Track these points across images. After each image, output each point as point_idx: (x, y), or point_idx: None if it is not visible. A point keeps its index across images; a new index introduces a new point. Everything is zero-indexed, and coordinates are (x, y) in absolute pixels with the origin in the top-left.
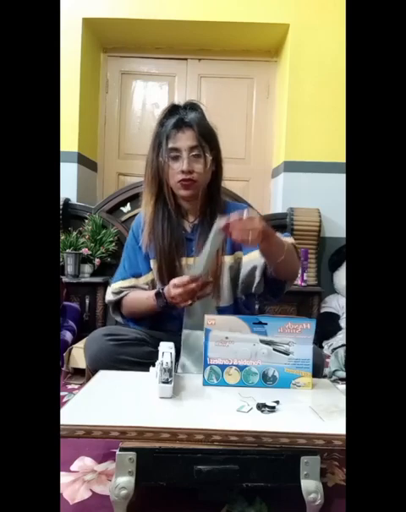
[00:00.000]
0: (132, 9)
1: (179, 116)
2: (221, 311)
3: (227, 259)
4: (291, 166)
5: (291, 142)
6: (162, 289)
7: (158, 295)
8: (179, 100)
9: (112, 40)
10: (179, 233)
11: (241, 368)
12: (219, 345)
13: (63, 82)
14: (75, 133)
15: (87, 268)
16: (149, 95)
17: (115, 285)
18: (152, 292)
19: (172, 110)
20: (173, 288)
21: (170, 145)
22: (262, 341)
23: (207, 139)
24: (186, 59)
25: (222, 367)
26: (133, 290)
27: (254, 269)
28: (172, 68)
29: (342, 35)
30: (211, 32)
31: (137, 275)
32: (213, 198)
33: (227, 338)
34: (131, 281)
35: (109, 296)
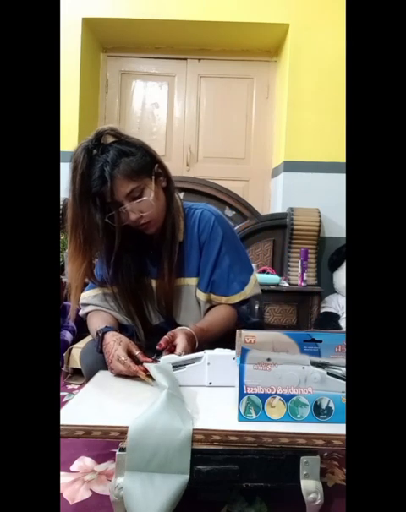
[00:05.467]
0: (132, 9)
1: (98, 171)
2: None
3: (194, 281)
4: (291, 166)
5: (291, 142)
6: (104, 333)
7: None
8: (179, 99)
9: (112, 40)
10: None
11: (287, 399)
12: (259, 368)
13: (63, 82)
14: (75, 133)
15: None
16: (149, 95)
17: (83, 295)
18: (99, 328)
19: (89, 162)
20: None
21: (108, 201)
22: (314, 364)
23: (136, 174)
24: (186, 59)
25: (263, 396)
26: (97, 307)
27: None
28: (172, 68)
29: (342, 35)
30: (211, 32)
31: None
32: (170, 211)
33: (269, 360)
34: (98, 291)
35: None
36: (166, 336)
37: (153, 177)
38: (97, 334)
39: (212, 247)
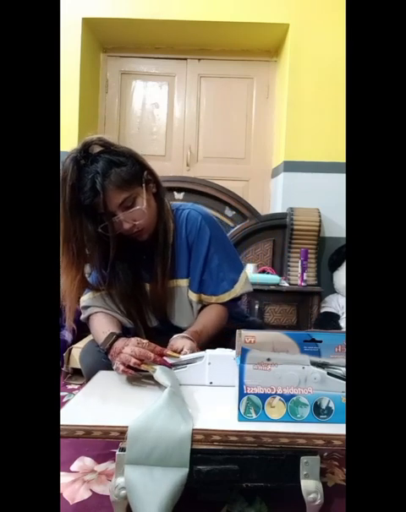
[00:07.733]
0: (132, 9)
1: (89, 183)
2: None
3: (185, 283)
4: (291, 166)
5: (291, 142)
6: (117, 337)
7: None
8: (179, 99)
9: (112, 40)
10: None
11: (287, 399)
12: (259, 368)
13: (63, 82)
14: (75, 133)
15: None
16: (149, 95)
17: (82, 299)
18: (108, 331)
19: (79, 174)
20: (130, 349)
21: (100, 211)
22: (314, 363)
23: (128, 184)
24: (186, 59)
25: (263, 396)
26: (99, 309)
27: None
28: (172, 68)
29: (342, 35)
30: (211, 32)
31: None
32: (162, 216)
33: (269, 360)
34: (97, 293)
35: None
36: (169, 348)
37: (144, 185)
38: (110, 335)
39: (201, 247)
